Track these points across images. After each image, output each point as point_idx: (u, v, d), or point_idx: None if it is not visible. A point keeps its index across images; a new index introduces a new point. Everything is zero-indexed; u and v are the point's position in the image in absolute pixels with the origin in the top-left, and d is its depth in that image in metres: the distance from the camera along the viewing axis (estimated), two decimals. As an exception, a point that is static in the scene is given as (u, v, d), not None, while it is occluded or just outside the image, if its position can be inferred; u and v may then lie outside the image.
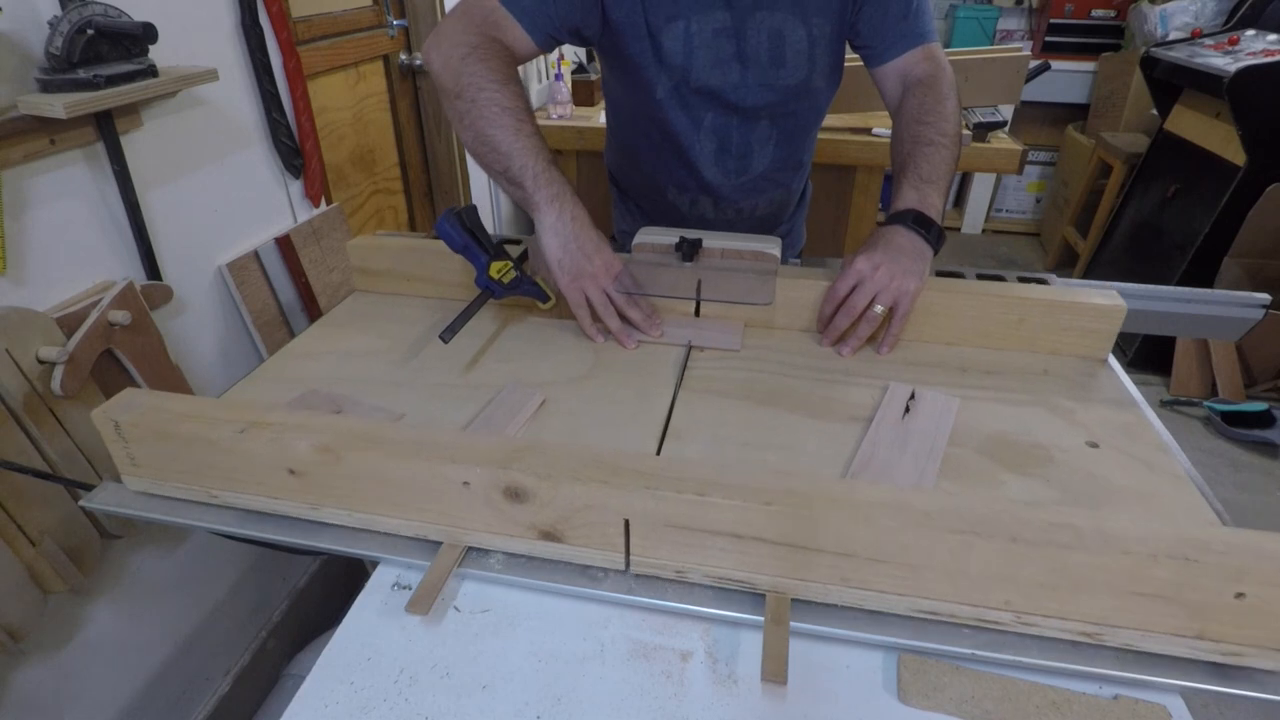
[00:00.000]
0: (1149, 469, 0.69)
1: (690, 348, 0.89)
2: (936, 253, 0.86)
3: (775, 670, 0.52)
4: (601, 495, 0.56)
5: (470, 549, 0.63)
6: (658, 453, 0.71)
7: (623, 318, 0.90)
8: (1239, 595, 0.49)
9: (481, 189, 2.20)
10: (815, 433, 0.74)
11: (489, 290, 0.87)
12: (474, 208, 0.88)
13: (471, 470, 0.57)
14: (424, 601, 0.58)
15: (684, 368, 0.85)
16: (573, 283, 0.86)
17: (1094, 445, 0.72)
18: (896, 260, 0.83)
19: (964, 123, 2.05)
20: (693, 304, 0.95)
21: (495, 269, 0.86)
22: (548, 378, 0.83)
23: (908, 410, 0.76)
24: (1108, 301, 0.85)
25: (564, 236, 0.84)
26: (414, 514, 0.62)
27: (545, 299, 0.90)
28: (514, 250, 0.91)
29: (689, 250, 0.91)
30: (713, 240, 0.93)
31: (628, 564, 0.59)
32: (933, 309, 0.88)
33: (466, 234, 0.86)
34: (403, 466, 0.59)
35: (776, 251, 0.91)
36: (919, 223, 0.85)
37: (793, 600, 0.57)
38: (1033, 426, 0.75)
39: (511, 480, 0.57)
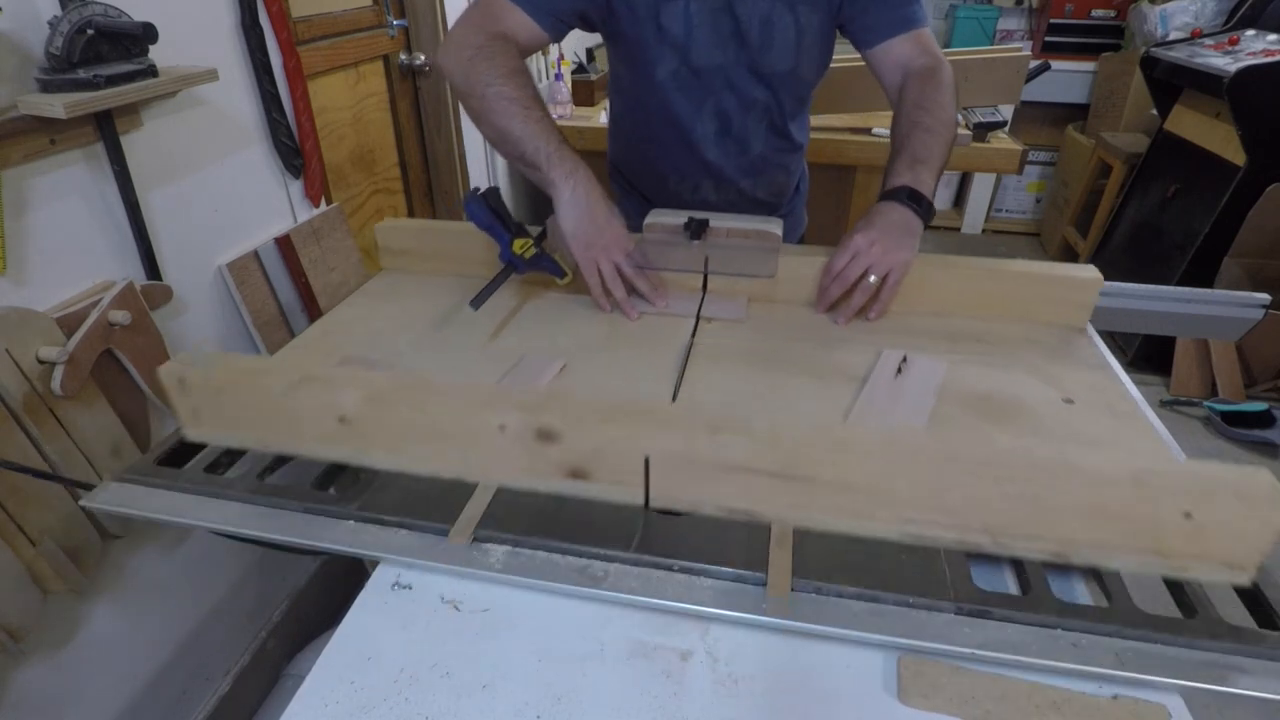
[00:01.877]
0: (1118, 420, 0.76)
1: (699, 320, 0.94)
2: (927, 225, 0.91)
3: (779, 586, 0.59)
4: (624, 435, 0.60)
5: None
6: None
7: (631, 290, 0.95)
8: (1187, 515, 0.54)
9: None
10: (815, 393, 0.80)
11: (512, 265, 0.92)
12: (496, 189, 0.93)
13: (508, 414, 0.62)
14: (464, 531, 0.64)
15: (693, 338, 0.91)
16: (585, 252, 0.90)
17: (1069, 401, 0.79)
18: (889, 234, 0.88)
19: (964, 122, 2.05)
20: (700, 279, 1.01)
21: (518, 245, 0.91)
22: (566, 347, 0.88)
23: (899, 372, 0.82)
24: (1085, 274, 0.93)
25: (579, 209, 0.89)
26: (453, 458, 0.66)
27: (562, 275, 0.95)
28: (534, 231, 0.97)
29: (697, 229, 0.97)
30: (719, 221, 0.98)
31: (647, 500, 0.63)
32: (924, 281, 0.94)
33: (491, 213, 0.91)
34: (445, 412, 0.64)
35: (778, 230, 0.97)
36: (911, 198, 0.89)
37: (795, 530, 0.63)
38: (1015, 386, 0.81)
39: (544, 423, 0.61)
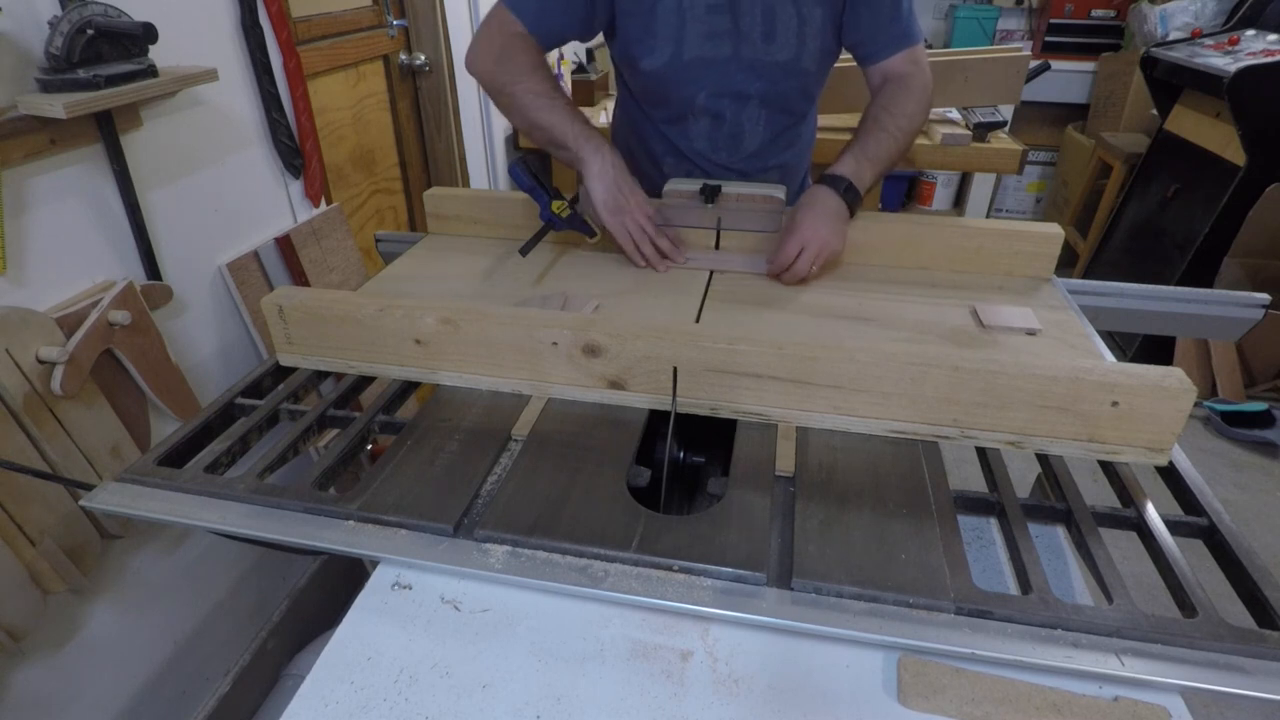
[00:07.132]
0: (1074, 349, 0.87)
1: (711, 272, 1.06)
2: (853, 215, 1.04)
3: (784, 464, 0.70)
4: (657, 348, 0.73)
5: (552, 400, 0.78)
6: None
7: (655, 246, 1.06)
8: (1114, 404, 0.65)
9: (480, 187, 2.19)
10: (812, 327, 0.93)
11: (550, 223, 1.05)
12: (535, 156, 1.03)
13: (561, 333, 0.75)
14: (523, 428, 0.75)
15: (708, 286, 1.03)
16: (614, 217, 1.02)
17: (1032, 333, 0.89)
18: (829, 226, 0.99)
19: (964, 122, 2.05)
20: (713, 236, 1.13)
21: (555, 206, 1.03)
22: (597, 294, 0.99)
23: None
24: (1048, 230, 1.04)
25: (607, 180, 1.01)
26: (510, 372, 0.79)
27: (593, 234, 1.07)
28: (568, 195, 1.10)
29: (710, 193, 1.09)
30: (729, 187, 1.10)
31: (674, 404, 0.74)
32: (906, 240, 1.06)
33: (532, 177, 1.03)
34: (506, 332, 0.76)
35: (782, 195, 1.08)
36: (849, 191, 1.00)
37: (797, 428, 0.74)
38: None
39: (590, 339, 0.74)
